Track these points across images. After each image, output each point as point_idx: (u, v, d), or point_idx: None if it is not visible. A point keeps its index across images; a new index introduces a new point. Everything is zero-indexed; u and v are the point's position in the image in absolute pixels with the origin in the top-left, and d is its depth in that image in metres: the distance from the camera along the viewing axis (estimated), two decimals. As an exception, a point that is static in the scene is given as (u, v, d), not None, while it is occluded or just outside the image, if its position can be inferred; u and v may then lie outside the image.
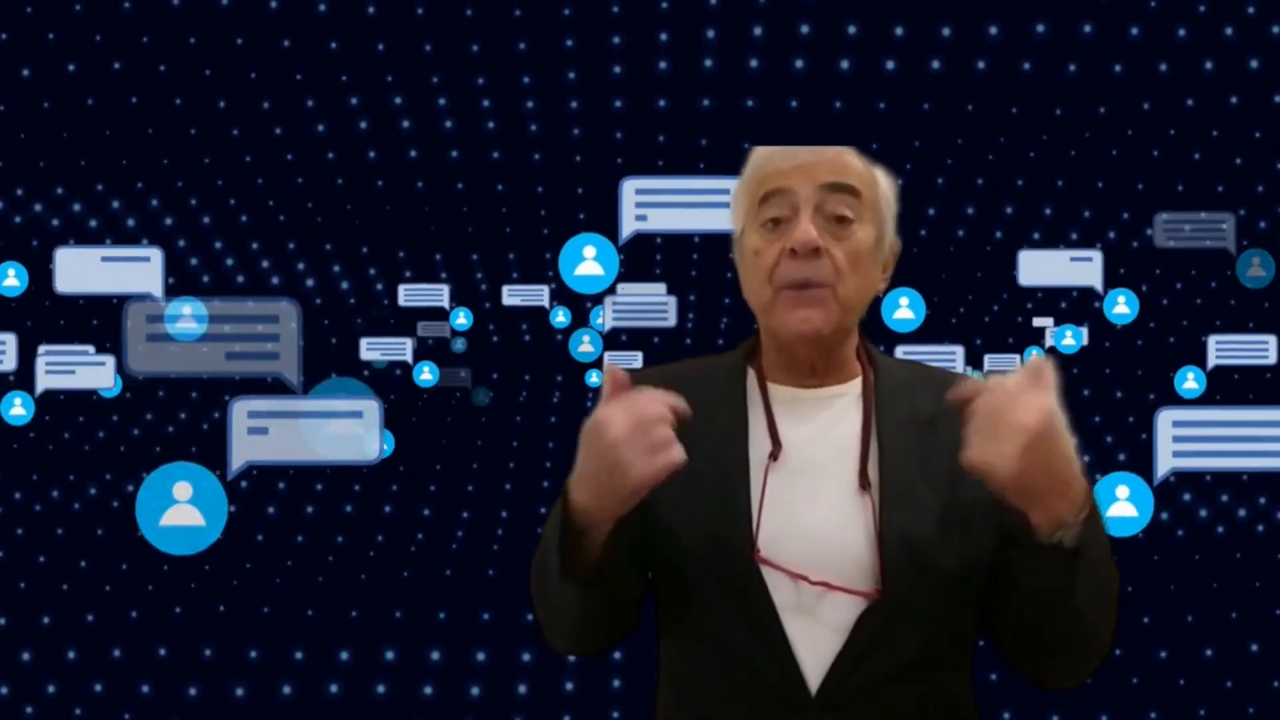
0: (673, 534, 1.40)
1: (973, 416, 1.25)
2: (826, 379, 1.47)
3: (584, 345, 3.33)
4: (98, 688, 3.25)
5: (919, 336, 3.29)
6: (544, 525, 1.45)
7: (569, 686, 3.20)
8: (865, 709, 1.36)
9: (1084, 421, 3.24)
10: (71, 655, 3.26)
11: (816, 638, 1.36)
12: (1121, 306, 3.31)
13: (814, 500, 1.39)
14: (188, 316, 3.29)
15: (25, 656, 3.24)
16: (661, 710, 1.49)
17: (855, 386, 1.47)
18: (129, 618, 3.26)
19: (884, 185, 1.47)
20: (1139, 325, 3.30)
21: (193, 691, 3.25)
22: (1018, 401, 1.23)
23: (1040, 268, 3.32)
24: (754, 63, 3.23)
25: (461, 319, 3.33)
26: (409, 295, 3.34)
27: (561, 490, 1.33)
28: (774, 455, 1.41)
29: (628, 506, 1.29)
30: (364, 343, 3.33)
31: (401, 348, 3.33)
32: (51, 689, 3.24)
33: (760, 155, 1.47)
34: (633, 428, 1.25)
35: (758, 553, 1.37)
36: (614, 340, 3.32)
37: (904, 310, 3.30)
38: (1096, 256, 3.29)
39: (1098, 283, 3.31)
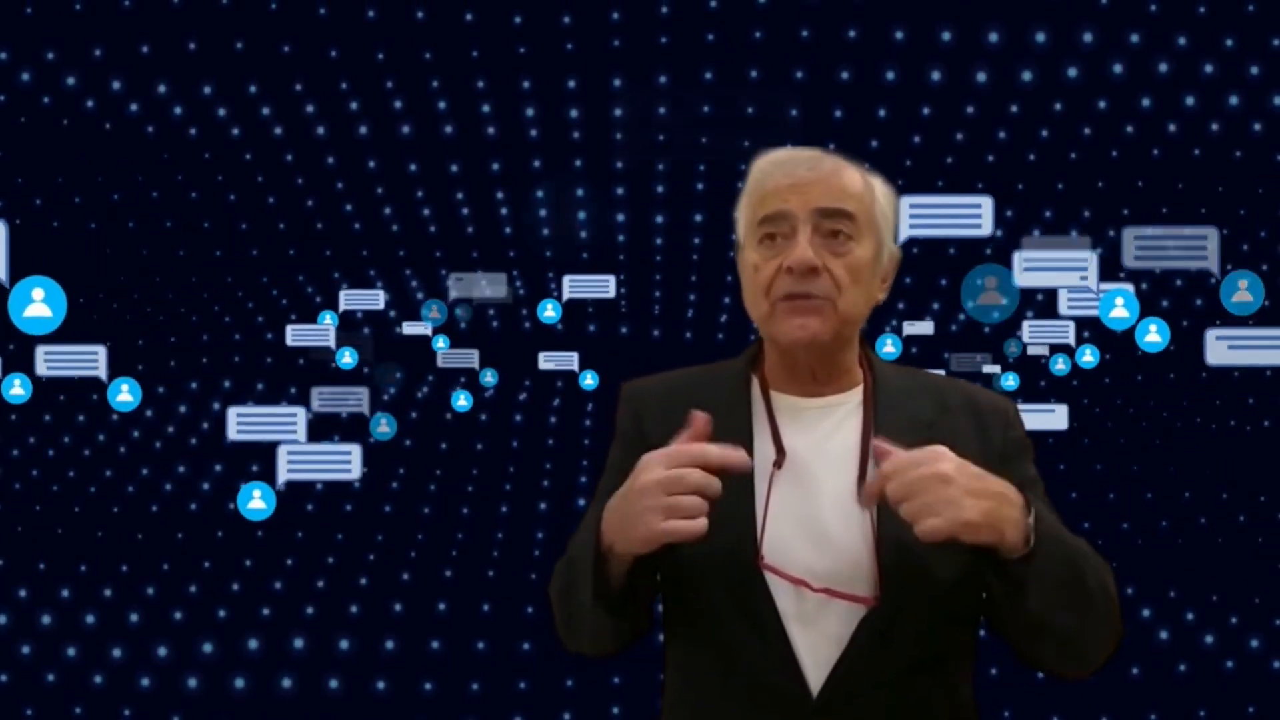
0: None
1: (897, 502, 1.26)
2: (827, 387, 1.49)
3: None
4: (97, 679, 3.26)
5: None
6: (575, 535, 1.49)
7: (569, 683, 3.21)
8: (865, 712, 1.38)
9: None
10: (72, 652, 3.27)
11: (817, 643, 1.39)
12: (1243, 293, 3.13)
13: (816, 508, 1.41)
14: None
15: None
16: (667, 709, 1.51)
17: (856, 395, 1.49)
18: (129, 620, 3.28)
19: (881, 198, 1.48)
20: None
21: (192, 683, 3.27)
22: (916, 463, 1.26)
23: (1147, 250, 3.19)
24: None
25: (435, 312, 3.32)
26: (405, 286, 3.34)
27: (598, 508, 1.36)
28: (778, 464, 1.43)
29: (639, 552, 1.30)
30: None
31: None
32: (51, 677, 3.25)
33: (760, 170, 1.48)
34: (665, 481, 1.25)
35: (762, 560, 1.39)
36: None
37: (991, 293, 3.21)
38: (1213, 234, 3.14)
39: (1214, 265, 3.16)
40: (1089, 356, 3.24)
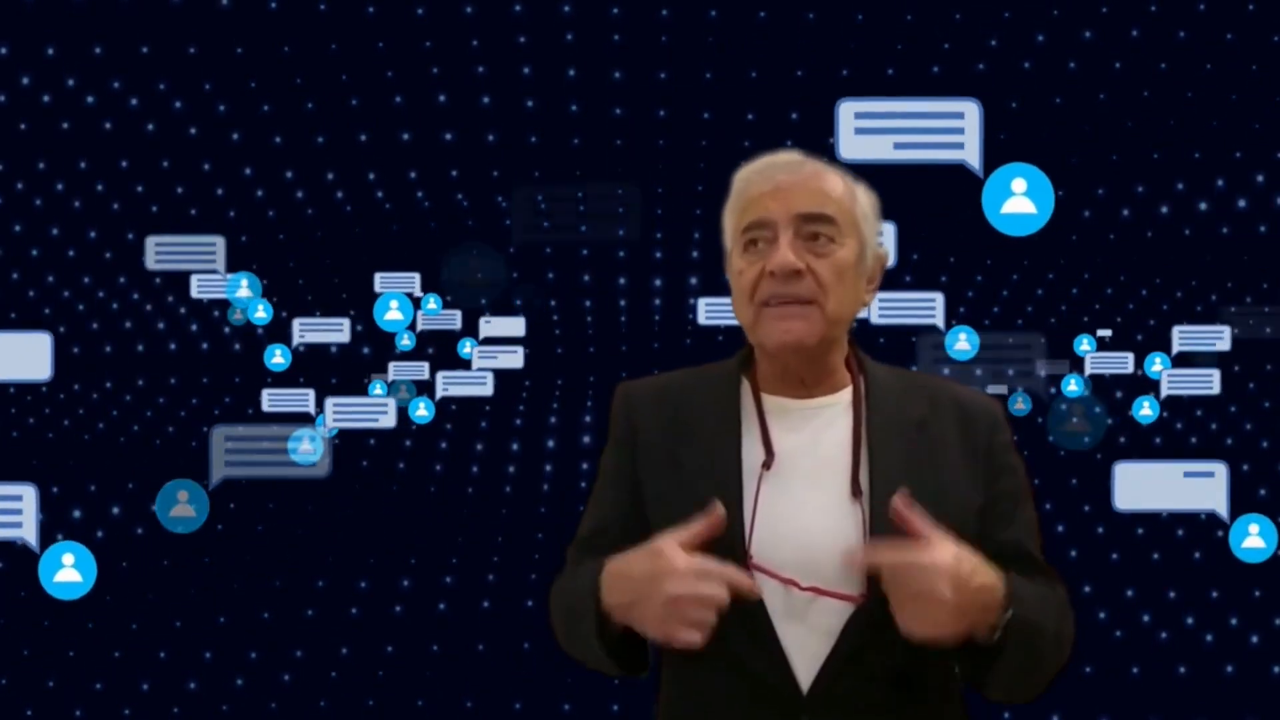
0: None
1: (892, 596, 1.32)
2: (816, 388, 1.51)
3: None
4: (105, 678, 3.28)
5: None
6: (571, 571, 1.55)
7: (569, 679, 3.23)
8: (855, 708, 1.41)
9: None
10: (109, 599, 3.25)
11: (807, 640, 1.41)
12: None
13: (806, 508, 1.44)
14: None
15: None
16: (662, 708, 1.54)
17: (845, 395, 1.51)
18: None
19: (863, 201, 1.51)
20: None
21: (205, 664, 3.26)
22: (924, 571, 1.30)
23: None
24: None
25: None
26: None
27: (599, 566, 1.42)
28: (767, 464, 1.45)
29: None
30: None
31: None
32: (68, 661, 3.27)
33: (742, 179, 1.52)
34: (684, 598, 1.31)
35: (751, 559, 1.41)
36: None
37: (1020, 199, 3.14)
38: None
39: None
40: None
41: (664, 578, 1.32)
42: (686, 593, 1.30)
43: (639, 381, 1.60)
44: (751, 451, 1.47)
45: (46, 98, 3.15)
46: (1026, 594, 1.38)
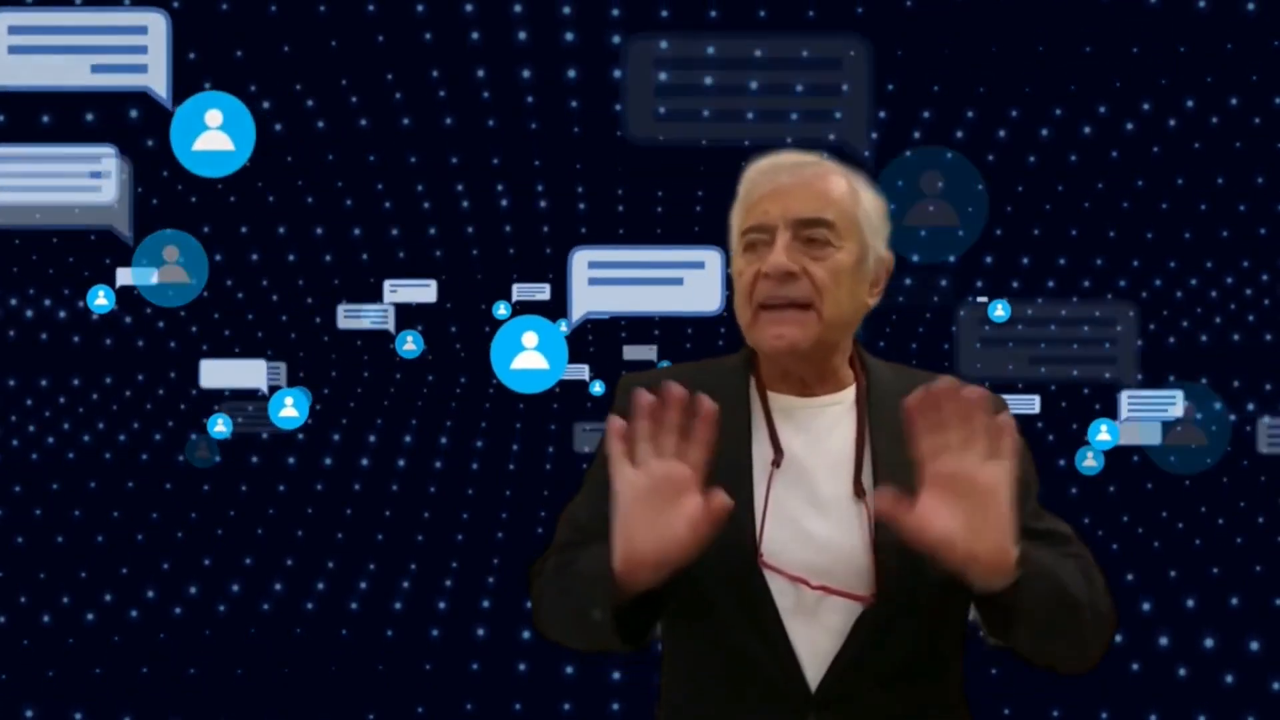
0: None
1: (938, 483, 1.29)
2: (819, 388, 1.51)
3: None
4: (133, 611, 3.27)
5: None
6: (561, 527, 1.53)
7: (569, 670, 3.23)
8: (862, 706, 1.41)
9: None
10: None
11: (816, 638, 1.41)
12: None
13: (813, 507, 1.44)
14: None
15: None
16: (665, 705, 1.54)
17: (849, 395, 1.52)
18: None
19: (867, 203, 1.50)
20: None
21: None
22: (983, 485, 1.28)
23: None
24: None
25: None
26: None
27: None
28: (776, 463, 1.46)
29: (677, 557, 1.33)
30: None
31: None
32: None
33: (747, 179, 1.52)
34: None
35: (761, 557, 1.41)
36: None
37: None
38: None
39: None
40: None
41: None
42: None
43: (643, 374, 1.59)
44: (760, 450, 1.47)
45: None
46: (1033, 551, 1.35)
